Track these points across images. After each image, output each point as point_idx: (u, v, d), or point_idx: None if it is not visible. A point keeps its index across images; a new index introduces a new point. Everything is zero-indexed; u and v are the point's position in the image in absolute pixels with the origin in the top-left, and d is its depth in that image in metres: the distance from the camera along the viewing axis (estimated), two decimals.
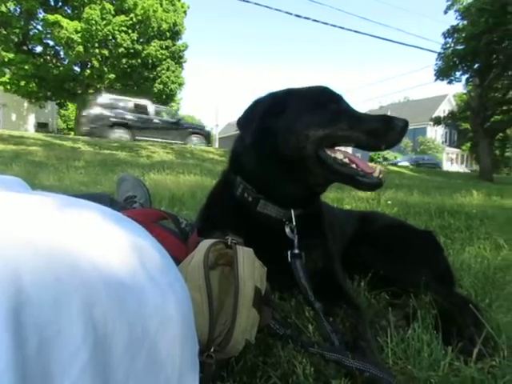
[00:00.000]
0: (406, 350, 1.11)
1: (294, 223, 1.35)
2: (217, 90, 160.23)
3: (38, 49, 20.98)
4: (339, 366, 0.96)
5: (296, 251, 1.31)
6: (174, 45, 22.56)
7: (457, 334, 1.19)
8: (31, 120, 30.40)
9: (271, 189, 1.36)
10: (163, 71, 22.48)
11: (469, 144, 38.57)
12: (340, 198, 4.21)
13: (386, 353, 1.10)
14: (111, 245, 0.56)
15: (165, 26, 21.07)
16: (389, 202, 4.29)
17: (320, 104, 1.34)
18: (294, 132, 1.30)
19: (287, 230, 1.34)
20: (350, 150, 1.37)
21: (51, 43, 20.53)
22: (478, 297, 1.56)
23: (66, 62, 21.07)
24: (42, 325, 0.41)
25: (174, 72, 23.04)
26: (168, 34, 21.79)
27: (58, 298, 0.43)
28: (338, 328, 1.14)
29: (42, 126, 31.25)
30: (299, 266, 1.28)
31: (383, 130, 1.27)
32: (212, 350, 0.84)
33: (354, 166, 1.30)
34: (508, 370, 1.02)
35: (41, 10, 19.95)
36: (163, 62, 22.26)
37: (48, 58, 21.15)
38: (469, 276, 1.79)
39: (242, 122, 1.38)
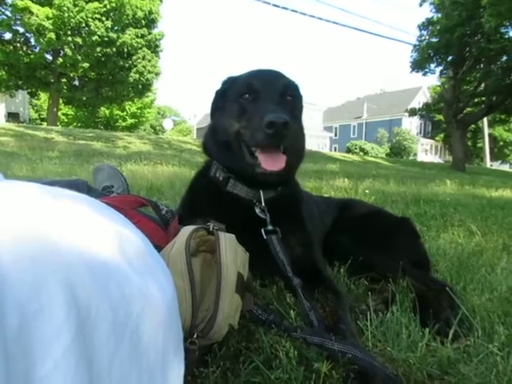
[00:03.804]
0: (385, 332, 1.14)
1: (264, 204, 1.36)
2: (195, 79, 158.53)
3: (7, 35, 20.13)
4: (321, 349, 0.97)
5: (270, 227, 1.31)
6: (149, 33, 22.00)
7: (433, 317, 1.22)
8: (1, 110, 29.41)
9: (228, 169, 1.41)
10: (139, 60, 21.92)
11: (442, 135, 39.60)
12: (318, 187, 4.25)
13: (366, 336, 1.12)
14: (91, 231, 0.55)
15: (140, 13, 20.52)
16: (366, 191, 4.36)
17: (241, 98, 1.36)
18: (222, 127, 1.40)
19: (257, 210, 1.35)
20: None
21: (21, 30, 19.75)
22: (453, 280, 1.61)
23: (37, 50, 20.29)
24: (22, 303, 0.39)
25: (150, 61, 22.51)
26: (143, 22, 21.20)
27: (38, 276, 0.42)
28: (315, 305, 1.15)
29: (12, 116, 30.31)
30: (275, 241, 1.28)
31: (258, 130, 1.21)
32: (195, 336, 0.84)
33: (258, 158, 1.25)
34: (482, 349, 1.06)
35: None
36: (139, 51, 21.70)
37: (18, 45, 20.33)
38: (444, 261, 1.85)
39: (210, 112, 1.53)
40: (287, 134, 1.18)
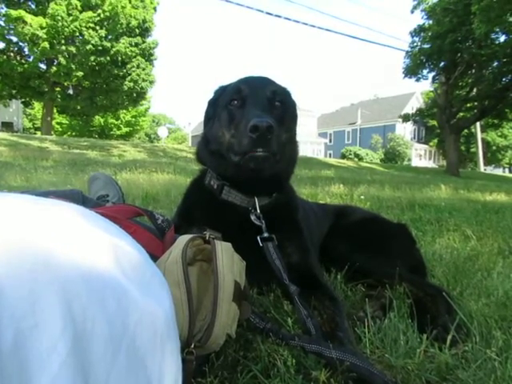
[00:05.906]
0: (383, 339, 1.13)
1: (259, 211, 1.36)
2: (189, 87, 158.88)
3: (1, 45, 20.10)
4: (319, 357, 0.97)
5: (266, 234, 1.31)
6: (143, 42, 22.07)
7: (431, 322, 1.22)
8: None
9: (222, 177, 1.40)
10: (133, 69, 21.97)
11: (436, 140, 39.89)
12: (314, 193, 4.25)
13: (363, 343, 1.12)
14: (87, 243, 0.55)
15: (134, 22, 20.59)
16: (362, 197, 4.37)
17: (230, 105, 1.36)
18: (214, 135, 1.40)
19: (252, 217, 1.35)
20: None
21: (15, 39, 19.74)
22: (449, 286, 1.61)
23: (30, 59, 20.28)
24: (17, 317, 0.39)
25: (144, 70, 22.57)
26: (137, 30, 21.28)
27: (33, 291, 0.41)
28: (312, 313, 1.15)
29: (6, 126, 30.28)
30: (271, 248, 1.28)
31: (243, 136, 1.20)
32: (192, 346, 0.83)
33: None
34: (480, 355, 1.06)
35: (3, 5, 19.13)
36: (133, 60, 21.74)
37: (12, 54, 20.32)
38: (440, 266, 1.85)
39: (203, 121, 1.53)
40: (272, 137, 1.17)
